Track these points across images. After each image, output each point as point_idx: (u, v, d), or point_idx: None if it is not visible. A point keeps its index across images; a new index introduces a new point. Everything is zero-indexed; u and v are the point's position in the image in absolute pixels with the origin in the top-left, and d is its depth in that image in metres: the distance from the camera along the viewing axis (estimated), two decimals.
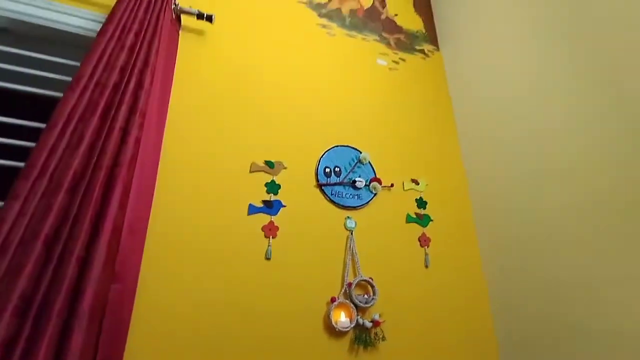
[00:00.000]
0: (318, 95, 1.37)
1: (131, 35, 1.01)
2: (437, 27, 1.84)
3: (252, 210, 1.10)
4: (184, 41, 1.24)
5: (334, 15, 1.60)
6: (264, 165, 1.17)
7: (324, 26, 1.55)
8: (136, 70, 0.96)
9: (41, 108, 1.02)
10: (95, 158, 0.84)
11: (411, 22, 1.78)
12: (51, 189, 0.77)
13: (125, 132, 0.89)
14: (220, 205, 1.07)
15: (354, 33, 1.61)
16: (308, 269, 1.09)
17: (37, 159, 0.77)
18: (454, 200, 1.41)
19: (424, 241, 1.27)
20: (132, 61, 0.98)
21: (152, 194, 0.95)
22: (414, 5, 1.84)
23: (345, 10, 1.65)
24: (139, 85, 0.95)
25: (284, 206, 1.14)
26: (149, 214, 0.93)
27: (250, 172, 1.15)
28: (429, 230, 1.30)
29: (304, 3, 1.56)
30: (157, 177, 0.99)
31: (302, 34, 1.48)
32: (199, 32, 1.30)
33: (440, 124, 1.57)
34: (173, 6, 1.20)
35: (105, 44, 0.97)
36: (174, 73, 1.17)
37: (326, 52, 1.49)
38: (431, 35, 1.80)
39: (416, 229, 1.29)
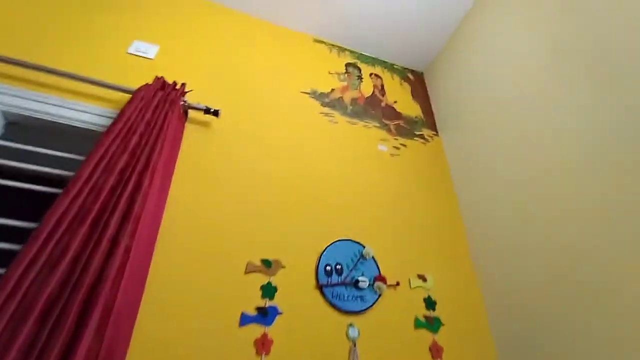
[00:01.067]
0: (320, 186, 1.35)
1: (136, 136, 1.02)
2: (434, 113, 1.91)
3: (245, 320, 0.99)
4: (189, 134, 1.27)
5: (337, 104, 1.67)
6: (260, 264, 1.10)
7: (326, 114, 1.61)
8: (136, 172, 0.95)
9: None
10: (77, 274, 0.77)
11: (410, 108, 1.86)
12: (16, 318, 0.69)
13: (114, 242, 0.84)
14: (210, 315, 0.97)
15: (355, 120, 1.66)
16: None
17: (6, 283, 0.70)
18: (465, 297, 1.30)
19: (436, 351, 1.14)
20: (134, 163, 0.97)
21: (136, 314, 0.86)
22: (412, 94, 1.94)
23: (347, 99, 1.73)
24: (137, 187, 0.93)
25: (280, 313, 1.03)
26: (131, 335, 0.83)
27: (246, 273, 1.07)
28: (440, 338, 1.17)
29: (307, 93, 1.64)
30: (146, 284, 0.91)
31: (306, 123, 1.52)
32: (205, 125, 1.33)
33: (445, 211, 1.53)
34: (181, 102, 1.24)
35: (109, 145, 0.97)
36: (176, 166, 1.17)
37: (329, 139, 1.52)
38: (429, 121, 1.87)
39: (426, 337, 1.16)
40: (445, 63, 1.89)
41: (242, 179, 1.25)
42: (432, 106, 1.93)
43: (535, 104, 1.28)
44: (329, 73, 1.78)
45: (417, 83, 2.02)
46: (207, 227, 1.11)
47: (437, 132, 1.84)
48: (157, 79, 1.22)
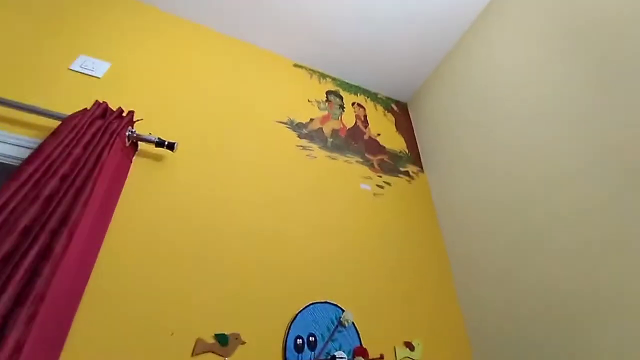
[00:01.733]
0: (291, 237, 1.16)
1: (55, 180, 0.79)
2: (419, 147, 1.80)
3: None
4: (137, 172, 1.05)
5: (316, 136, 1.51)
6: (213, 342, 0.88)
7: (304, 148, 1.44)
8: (46, 231, 0.72)
9: None
10: None
11: (394, 142, 1.73)
12: None
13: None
14: None
15: (336, 155, 1.50)
16: None
17: None
18: None
19: None
20: (45, 218, 0.74)
21: None
22: (396, 126, 1.83)
23: (327, 130, 1.57)
24: (44, 255, 0.70)
25: None
26: None
27: (194, 354, 0.84)
28: None
29: (283, 123, 1.47)
30: None
31: (280, 159, 1.34)
32: (158, 159, 1.12)
33: (433, 263, 1.37)
34: (128, 133, 1.03)
35: (12, 194, 0.74)
36: (113, 214, 0.94)
37: (305, 178, 1.34)
38: (414, 156, 1.75)
39: None
40: (429, 95, 1.80)
41: (196, 230, 1.03)
42: (417, 140, 1.82)
43: (524, 138, 1.18)
44: (308, 101, 1.63)
45: (402, 114, 1.91)
46: (144, 293, 0.88)
47: (422, 168, 1.71)
48: (98, 104, 1.00)
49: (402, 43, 1.65)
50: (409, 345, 1.10)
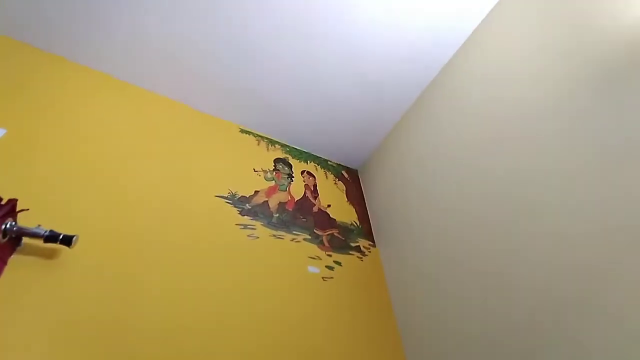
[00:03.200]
0: (229, 331, 0.95)
1: None
2: (370, 218, 1.75)
3: None
4: (19, 275, 0.79)
5: (259, 212, 1.37)
6: None
7: (245, 226, 1.29)
8: None
9: None
10: None
11: (345, 213, 1.66)
12: None
13: None
14: None
15: (281, 232, 1.37)
16: None
17: None
18: None
19: None
20: None
21: None
22: (347, 195, 1.78)
23: (273, 203, 1.45)
24: None
25: None
26: None
27: None
28: None
29: (224, 198, 1.32)
30: None
31: (216, 241, 1.17)
32: (50, 257, 0.87)
33: (385, 345, 1.24)
34: (5, 226, 0.79)
35: None
36: None
37: (244, 264, 1.17)
38: (366, 228, 1.68)
39: None
40: (379, 162, 1.80)
41: (97, 343, 0.79)
42: (368, 210, 1.78)
43: (476, 211, 1.17)
44: (254, 170, 1.51)
45: (352, 182, 1.88)
46: None
47: (374, 242, 1.65)
48: None
49: (353, 111, 1.66)
50: None
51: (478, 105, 1.29)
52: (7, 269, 0.80)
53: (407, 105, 1.66)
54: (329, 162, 1.87)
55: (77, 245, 0.90)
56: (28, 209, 0.84)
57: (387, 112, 1.68)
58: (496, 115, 1.21)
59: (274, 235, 1.33)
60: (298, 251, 1.35)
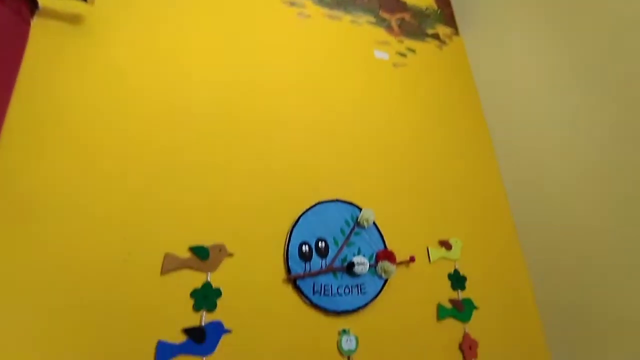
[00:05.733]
0: (282, 117, 0.84)
1: None
2: (452, 1, 1.31)
3: (165, 354, 0.58)
4: (38, 41, 0.70)
5: None
6: (189, 256, 0.66)
7: (292, 3, 1.01)
8: None
9: None
10: None
11: None
12: None
13: None
14: (102, 351, 0.56)
15: (338, 12, 1.07)
16: None
17: None
18: (504, 267, 0.93)
19: (468, 349, 0.79)
20: None
21: None
22: None
23: None
24: None
25: (227, 332, 0.63)
26: None
27: (163, 272, 0.63)
28: (473, 327, 0.81)
29: None
30: None
31: (257, 18, 0.94)
32: (72, 20, 0.75)
33: (472, 146, 1.06)
34: None
35: None
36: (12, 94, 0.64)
37: (297, 44, 0.96)
38: (447, 13, 1.28)
39: (455, 329, 0.80)
40: None
41: (144, 113, 0.73)
42: None
43: None
44: None
45: None
46: (82, 203, 0.63)
47: (457, 29, 1.27)
48: None
49: None
50: (445, 244, 0.88)
51: None
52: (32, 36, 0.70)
53: None
54: None
55: (102, 3, 0.75)
56: None
57: None
58: None
59: (329, 16, 1.05)
60: (361, 34, 1.07)
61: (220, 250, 0.67)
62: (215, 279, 0.66)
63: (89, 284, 0.58)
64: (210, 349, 0.61)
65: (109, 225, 0.63)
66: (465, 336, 0.80)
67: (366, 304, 0.74)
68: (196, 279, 0.65)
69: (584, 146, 0.84)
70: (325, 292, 0.71)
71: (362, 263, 0.75)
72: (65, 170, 0.64)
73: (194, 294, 0.63)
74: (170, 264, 0.64)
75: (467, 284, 0.85)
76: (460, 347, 0.79)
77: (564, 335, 0.85)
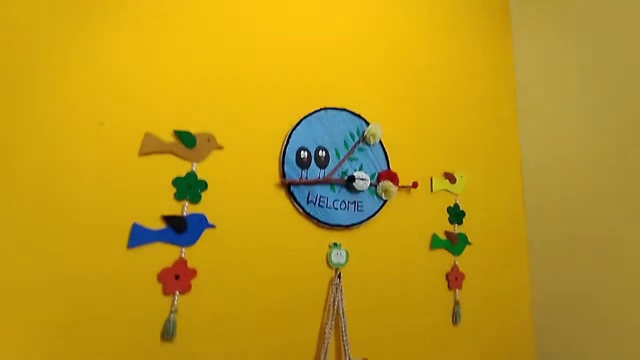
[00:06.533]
0: (298, 14, 0.72)
1: None
2: None
3: (139, 237, 0.53)
4: None
5: None
6: (173, 140, 0.58)
7: None
8: None
9: None
10: None
11: None
12: None
13: None
14: (74, 230, 0.50)
15: None
16: (253, 354, 0.58)
17: None
18: (504, 208, 0.90)
19: (454, 280, 0.78)
20: None
21: None
22: None
23: None
24: None
25: (211, 226, 0.58)
26: None
27: (141, 154, 0.55)
28: (463, 261, 0.80)
29: None
30: None
31: None
32: None
33: (495, 76, 0.97)
34: None
35: None
36: None
37: None
38: None
39: (444, 260, 0.78)
40: None
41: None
42: None
43: None
44: None
45: None
46: (78, 69, 0.52)
47: None
48: None
49: None
50: (450, 177, 0.83)
51: None
52: None
53: None
54: None
55: None
56: None
57: None
58: None
59: None
60: None
61: (209, 140, 0.60)
62: (201, 170, 0.59)
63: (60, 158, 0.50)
64: (191, 241, 0.56)
65: (81, 91, 0.53)
66: (454, 267, 0.79)
67: (361, 222, 0.69)
68: (180, 167, 0.57)
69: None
70: (321, 204, 0.66)
71: (363, 178, 0.69)
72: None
73: (177, 181, 0.57)
74: (149, 146, 0.56)
75: (465, 219, 0.82)
76: (447, 277, 0.77)
77: (551, 267, 0.85)
